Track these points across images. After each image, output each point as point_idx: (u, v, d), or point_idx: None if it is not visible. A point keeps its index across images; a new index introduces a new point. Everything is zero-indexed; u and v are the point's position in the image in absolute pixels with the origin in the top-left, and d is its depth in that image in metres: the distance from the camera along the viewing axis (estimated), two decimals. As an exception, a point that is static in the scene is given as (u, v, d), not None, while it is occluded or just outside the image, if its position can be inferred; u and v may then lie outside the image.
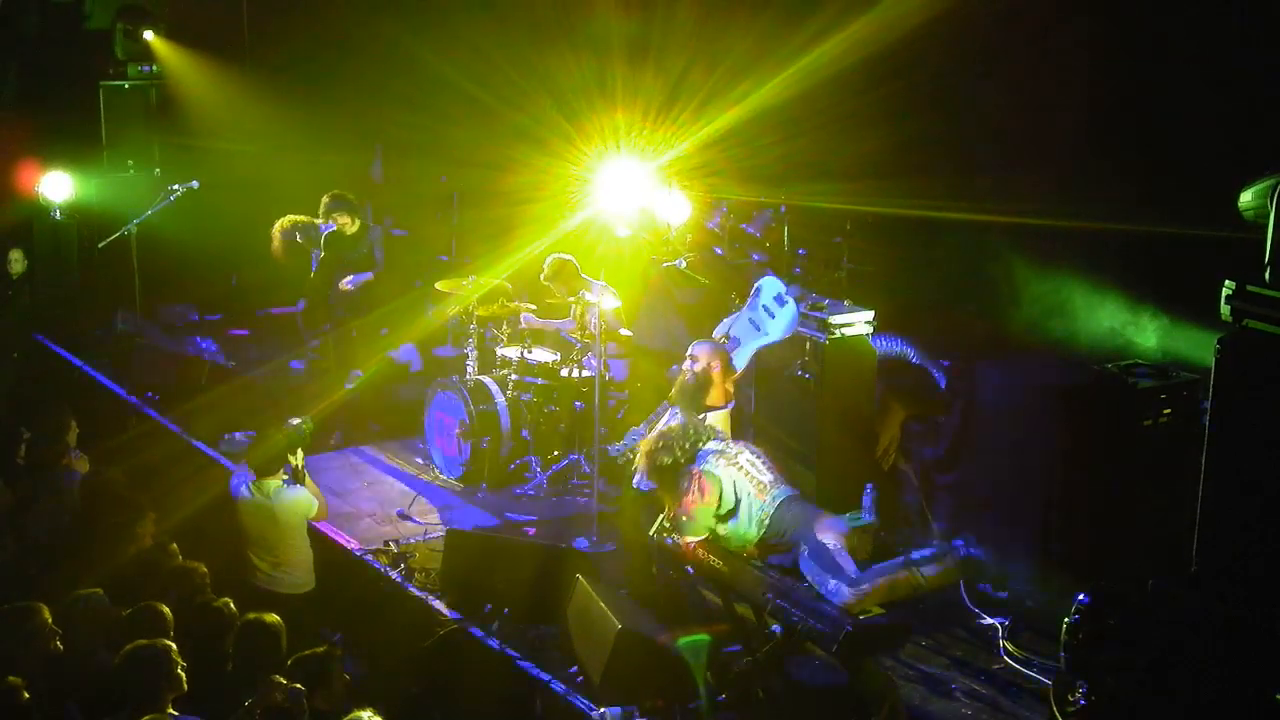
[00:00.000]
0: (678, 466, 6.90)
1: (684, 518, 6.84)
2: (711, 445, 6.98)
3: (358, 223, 10.72)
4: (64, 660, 5.87)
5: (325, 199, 10.65)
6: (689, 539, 6.86)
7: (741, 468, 6.92)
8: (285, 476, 7.79)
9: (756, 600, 6.84)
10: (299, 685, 5.49)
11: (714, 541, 6.91)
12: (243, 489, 7.78)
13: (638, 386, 9.46)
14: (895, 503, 8.30)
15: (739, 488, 6.84)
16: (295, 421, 8.02)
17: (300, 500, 7.77)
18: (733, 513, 6.84)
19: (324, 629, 7.31)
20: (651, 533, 7.54)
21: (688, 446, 6.94)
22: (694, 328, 8.75)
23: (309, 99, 12.76)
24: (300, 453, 7.85)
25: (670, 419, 7.84)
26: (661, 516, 7.40)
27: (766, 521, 6.81)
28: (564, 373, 9.35)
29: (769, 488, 6.87)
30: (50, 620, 5.83)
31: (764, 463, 7.02)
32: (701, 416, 7.91)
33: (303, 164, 12.25)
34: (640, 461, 7.18)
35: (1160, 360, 7.63)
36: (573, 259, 9.50)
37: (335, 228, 10.60)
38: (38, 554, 7.51)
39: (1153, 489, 7.21)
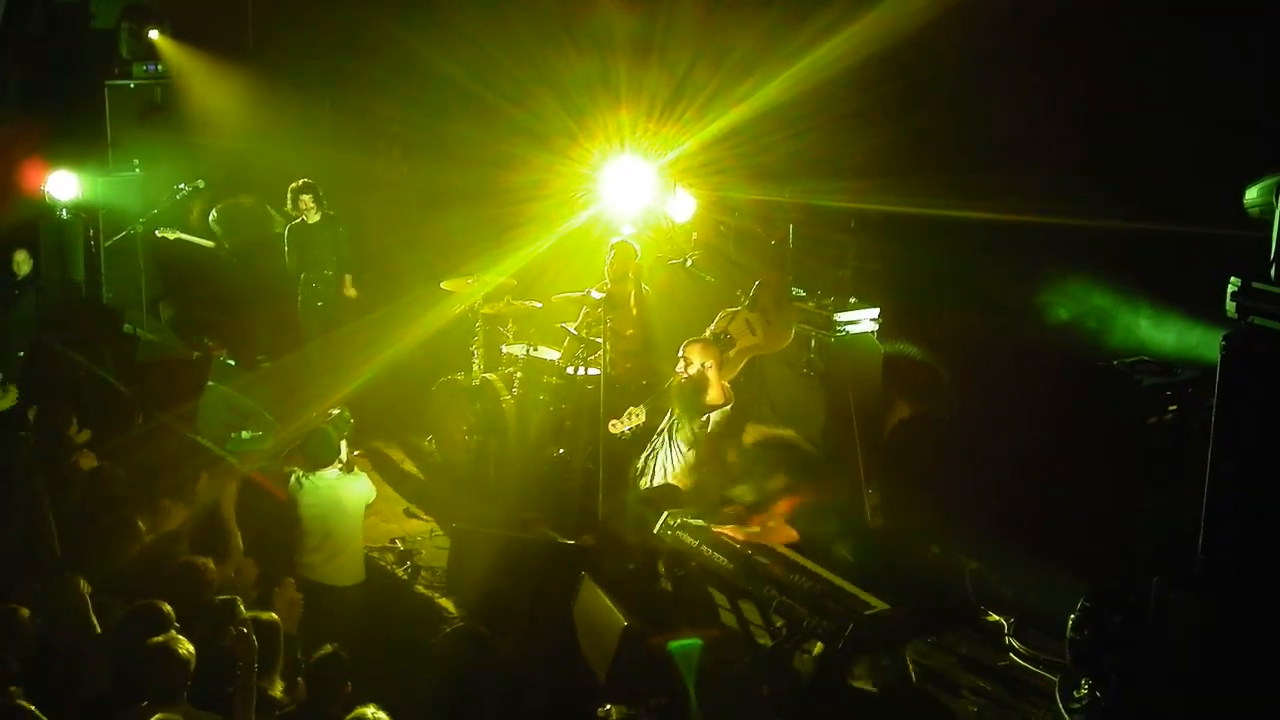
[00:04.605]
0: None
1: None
2: None
3: (319, 214, 10.79)
4: (63, 658, 5.88)
5: (293, 185, 10.82)
6: None
7: None
8: (338, 466, 7.70)
9: (761, 596, 6.84)
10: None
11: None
12: (299, 481, 7.64)
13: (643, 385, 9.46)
14: (899, 500, 8.30)
15: None
16: (335, 412, 7.95)
17: (363, 486, 7.73)
18: None
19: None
20: (656, 530, 7.55)
21: None
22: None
23: (313, 97, 12.75)
24: (346, 443, 7.78)
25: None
26: (666, 515, 7.46)
27: None
28: (570, 371, 9.35)
29: None
30: (29, 621, 5.83)
31: None
32: (705, 418, 7.93)
33: (306, 162, 12.24)
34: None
35: (1165, 357, 7.62)
36: (639, 253, 9.36)
37: (299, 219, 10.78)
38: (41, 553, 7.50)
39: (1157, 486, 7.20)
